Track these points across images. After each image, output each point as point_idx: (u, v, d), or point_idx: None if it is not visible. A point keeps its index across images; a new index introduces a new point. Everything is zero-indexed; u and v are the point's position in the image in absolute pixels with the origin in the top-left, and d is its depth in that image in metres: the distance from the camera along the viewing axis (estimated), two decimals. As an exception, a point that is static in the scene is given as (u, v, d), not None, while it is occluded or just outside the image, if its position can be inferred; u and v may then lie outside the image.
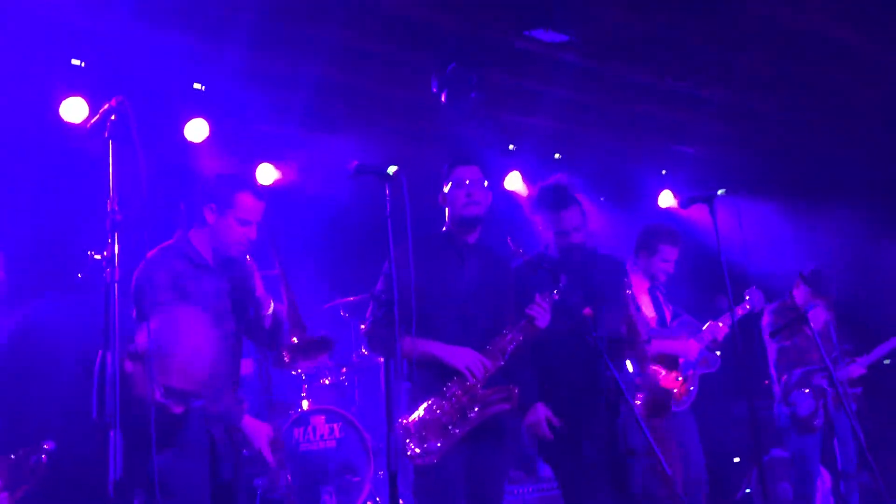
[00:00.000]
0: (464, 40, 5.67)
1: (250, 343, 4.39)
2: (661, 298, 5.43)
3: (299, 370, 6.01)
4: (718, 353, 5.50)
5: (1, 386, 4.85)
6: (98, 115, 2.94)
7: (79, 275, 5.38)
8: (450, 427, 3.66)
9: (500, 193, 7.46)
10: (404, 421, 3.67)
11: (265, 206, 3.71)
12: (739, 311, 5.45)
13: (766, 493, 4.92)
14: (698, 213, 4.44)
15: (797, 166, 8.15)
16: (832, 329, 5.87)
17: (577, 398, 3.99)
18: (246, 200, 3.64)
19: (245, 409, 3.63)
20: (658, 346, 5.06)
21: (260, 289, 3.78)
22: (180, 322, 3.42)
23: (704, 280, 5.56)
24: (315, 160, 6.93)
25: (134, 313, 3.48)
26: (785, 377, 5.87)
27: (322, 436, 5.82)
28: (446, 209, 4.05)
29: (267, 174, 6.96)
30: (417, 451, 3.63)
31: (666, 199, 8.43)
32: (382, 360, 5.40)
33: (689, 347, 5.31)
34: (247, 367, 5.82)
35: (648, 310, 5.25)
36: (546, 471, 6.62)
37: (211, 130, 6.27)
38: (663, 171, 8.43)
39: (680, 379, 5.29)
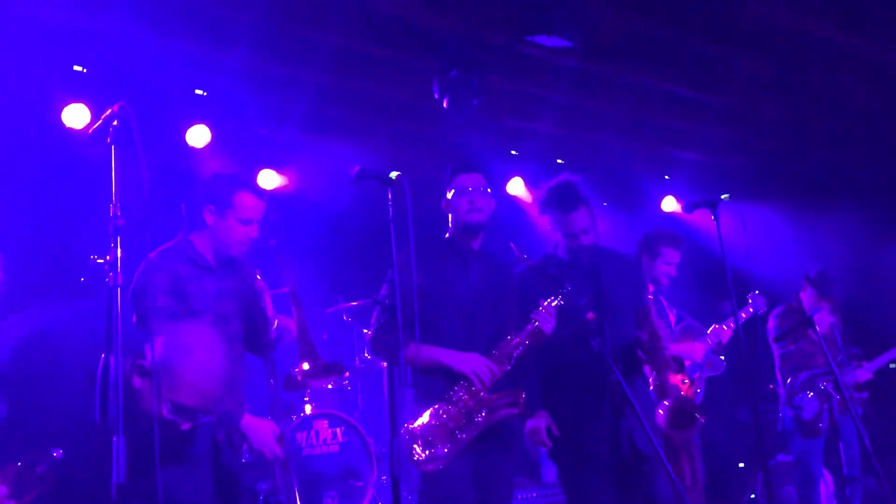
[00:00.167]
0: (466, 45, 5.66)
1: None
2: (664, 302, 5.43)
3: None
4: (723, 357, 5.49)
5: (8, 393, 4.84)
6: (100, 121, 2.93)
7: (82, 279, 5.38)
8: (456, 432, 3.64)
9: (503, 199, 7.46)
10: (410, 426, 3.65)
11: (265, 204, 3.69)
12: (742, 315, 5.44)
13: (772, 498, 4.91)
14: (701, 217, 4.43)
15: (799, 169, 8.15)
16: (837, 332, 5.86)
17: (580, 401, 3.98)
18: (245, 199, 3.62)
19: (245, 409, 3.60)
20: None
21: (270, 309, 3.77)
22: (189, 337, 3.41)
23: (707, 284, 5.55)
24: (317, 165, 6.94)
25: (133, 318, 3.45)
26: (789, 380, 5.86)
27: (325, 440, 5.81)
28: (449, 215, 4.05)
29: (269, 179, 6.98)
30: (424, 456, 3.61)
31: (669, 204, 8.43)
32: (386, 365, 5.42)
33: (694, 350, 5.30)
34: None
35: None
36: (551, 476, 6.61)
37: (212, 136, 6.28)
38: (666, 177, 8.43)
39: (686, 382, 5.27)
